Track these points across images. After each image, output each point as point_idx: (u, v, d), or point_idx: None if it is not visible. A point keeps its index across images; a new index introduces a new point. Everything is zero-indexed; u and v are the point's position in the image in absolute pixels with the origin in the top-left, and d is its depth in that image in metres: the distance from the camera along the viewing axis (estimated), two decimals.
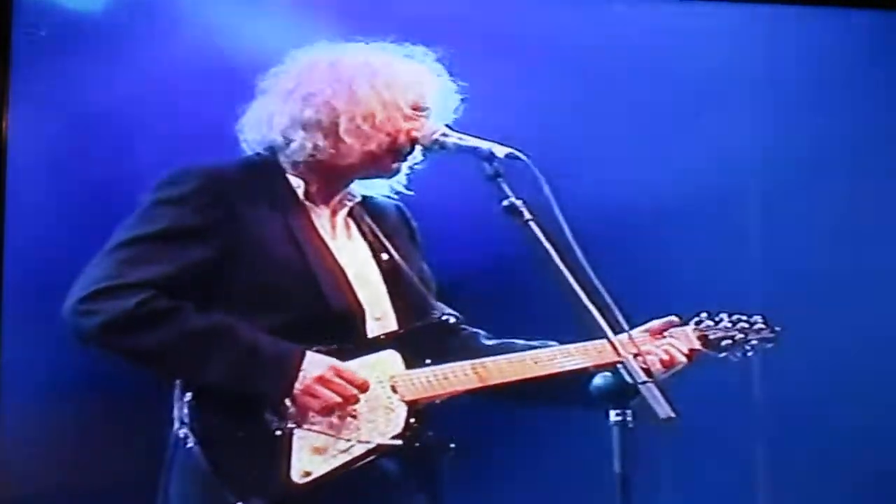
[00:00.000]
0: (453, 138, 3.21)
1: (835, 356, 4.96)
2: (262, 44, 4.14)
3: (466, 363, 3.17)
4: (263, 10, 4.70)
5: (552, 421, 4.16)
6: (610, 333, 2.79)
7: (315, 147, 3.21)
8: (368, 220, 3.34)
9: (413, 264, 3.35)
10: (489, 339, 3.38)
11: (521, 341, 3.32)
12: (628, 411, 2.71)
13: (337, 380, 3.05)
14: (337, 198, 3.29)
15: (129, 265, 3.08)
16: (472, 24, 4.60)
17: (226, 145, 3.35)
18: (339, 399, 3.05)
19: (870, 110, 5.19)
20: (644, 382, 2.68)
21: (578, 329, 2.93)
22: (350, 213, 3.32)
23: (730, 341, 3.43)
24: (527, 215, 2.94)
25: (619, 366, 2.74)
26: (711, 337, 3.42)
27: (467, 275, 3.82)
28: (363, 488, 3.07)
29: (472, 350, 3.29)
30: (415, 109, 3.24)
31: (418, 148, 3.24)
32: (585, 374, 3.07)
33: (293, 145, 3.22)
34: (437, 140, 3.22)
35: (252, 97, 3.30)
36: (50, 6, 4.66)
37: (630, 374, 2.70)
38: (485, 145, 3.11)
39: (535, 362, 3.20)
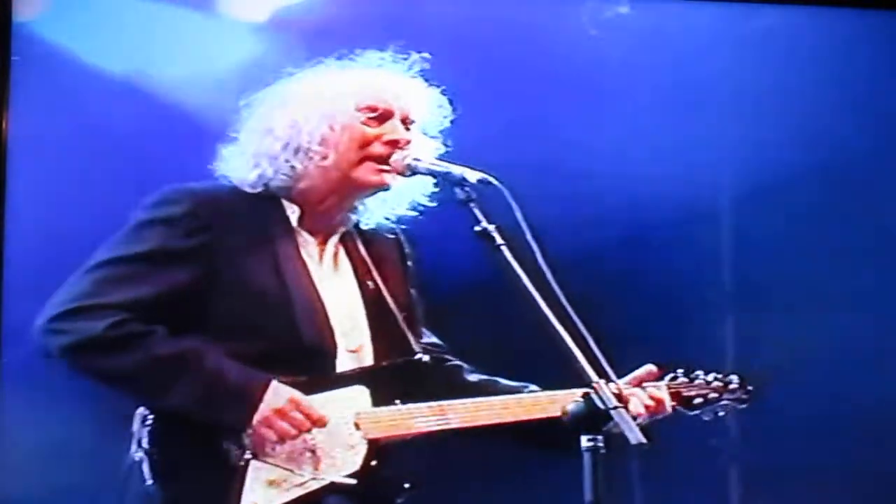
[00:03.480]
0: (425, 163, 3.22)
1: (810, 378, 4.96)
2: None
3: (432, 405, 3.17)
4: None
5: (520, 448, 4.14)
6: (581, 358, 2.77)
7: (262, 175, 3.23)
8: (360, 246, 3.34)
9: (399, 291, 3.35)
10: (472, 373, 3.38)
11: (503, 381, 3.33)
12: (599, 437, 2.68)
13: (294, 413, 3.05)
14: (331, 224, 3.29)
15: (107, 285, 3.08)
16: (442, 39, 4.61)
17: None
18: (294, 432, 3.05)
19: (851, 119, 5.20)
20: (616, 408, 2.65)
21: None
22: (342, 240, 3.32)
23: (702, 400, 3.45)
24: (498, 240, 2.93)
25: (590, 391, 2.71)
26: (685, 394, 3.43)
27: (459, 297, 3.81)
28: None
29: (453, 386, 3.30)
30: (368, 111, 3.24)
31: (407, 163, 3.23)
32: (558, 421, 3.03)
33: (249, 178, 3.24)
34: (408, 165, 3.23)
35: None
36: (49, 6, 4.71)
37: (601, 399, 2.68)
38: (457, 170, 3.11)
39: (504, 408, 3.21)
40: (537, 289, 2.84)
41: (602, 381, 2.73)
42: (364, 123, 3.24)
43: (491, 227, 2.95)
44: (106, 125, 4.67)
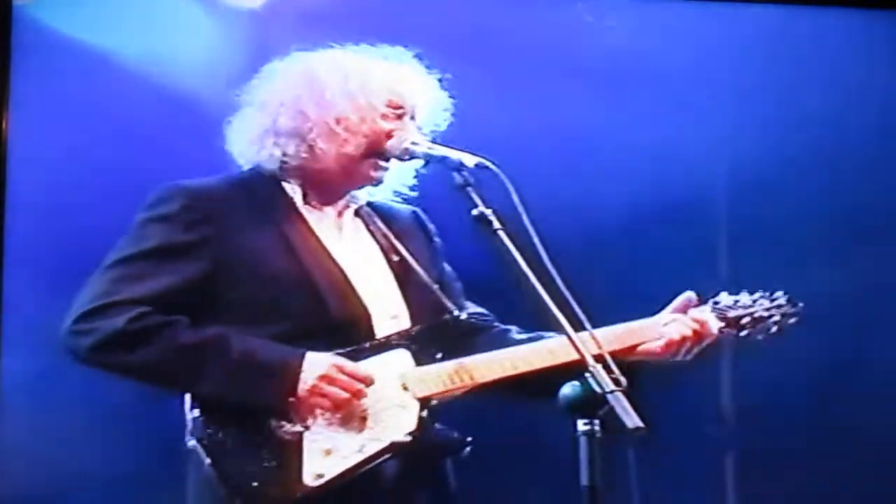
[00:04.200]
0: (423, 147, 3.22)
1: (804, 365, 4.96)
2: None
3: (467, 358, 3.15)
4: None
5: (518, 433, 4.14)
6: (578, 342, 2.77)
7: (284, 154, 3.23)
8: (379, 222, 3.35)
9: (430, 265, 3.35)
10: (521, 333, 3.35)
11: (551, 334, 3.25)
12: (596, 421, 2.67)
13: (341, 376, 3.06)
14: (341, 200, 3.31)
15: (121, 283, 3.11)
16: (439, 28, 4.62)
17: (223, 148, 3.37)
18: (346, 395, 3.06)
19: (844, 115, 5.20)
20: (612, 392, 2.65)
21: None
22: (358, 214, 3.33)
23: (749, 319, 3.36)
24: (496, 225, 2.93)
25: (587, 375, 2.71)
26: (731, 315, 3.35)
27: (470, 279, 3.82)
28: (376, 488, 3.08)
29: (501, 346, 3.26)
30: (393, 108, 3.25)
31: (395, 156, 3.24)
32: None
33: (263, 153, 3.25)
34: (406, 149, 3.23)
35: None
36: (48, 7, 4.71)
37: (598, 384, 2.67)
38: (454, 155, 3.11)
39: (536, 354, 3.17)
40: (534, 273, 2.84)
41: (598, 366, 2.72)
42: (382, 118, 3.25)
43: (488, 212, 2.95)
44: (106, 109, 4.66)
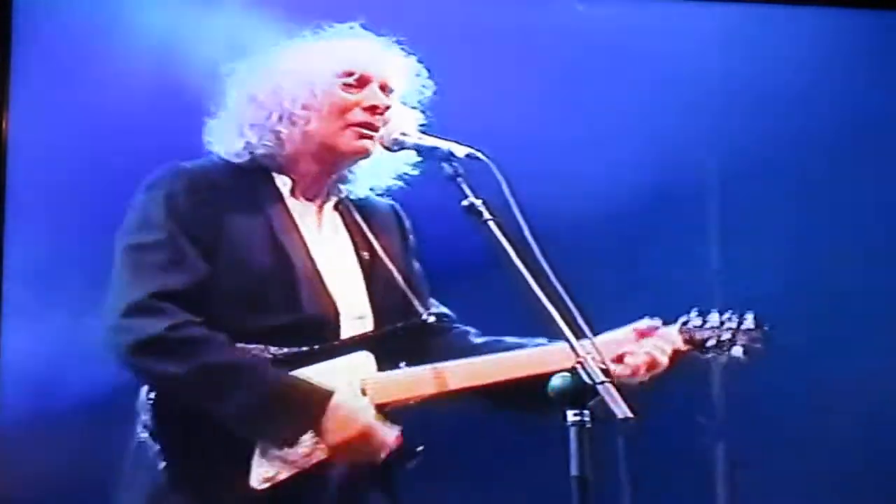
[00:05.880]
0: (413, 138, 3.21)
1: (795, 357, 4.97)
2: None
3: (437, 366, 3.14)
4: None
5: (508, 422, 4.13)
6: (568, 333, 2.77)
7: (248, 145, 3.23)
8: (357, 216, 3.33)
9: (400, 263, 3.33)
10: (478, 336, 3.36)
11: (511, 339, 3.29)
12: (586, 412, 2.67)
13: (363, 446, 3.05)
14: (320, 191, 3.29)
15: (155, 274, 3.05)
16: (429, 17, 4.61)
17: None
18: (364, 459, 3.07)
19: (834, 110, 5.21)
20: (602, 382, 2.65)
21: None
22: (337, 208, 3.31)
23: (714, 341, 3.34)
24: (486, 215, 2.93)
25: (577, 365, 2.71)
26: (697, 337, 3.32)
27: (460, 269, 3.81)
28: (325, 491, 3.08)
29: (459, 349, 3.27)
30: (350, 76, 3.22)
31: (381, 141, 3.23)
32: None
33: (236, 148, 3.24)
34: (396, 139, 3.22)
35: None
36: (48, 5, 4.71)
37: (588, 374, 2.67)
38: (444, 145, 3.11)
39: (498, 366, 3.19)
40: (524, 263, 2.84)
41: (588, 356, 2.72)
42: (343, 90, 3.23)
43: (478, 202, 2.95)
44: (107, 97, 4.65)
